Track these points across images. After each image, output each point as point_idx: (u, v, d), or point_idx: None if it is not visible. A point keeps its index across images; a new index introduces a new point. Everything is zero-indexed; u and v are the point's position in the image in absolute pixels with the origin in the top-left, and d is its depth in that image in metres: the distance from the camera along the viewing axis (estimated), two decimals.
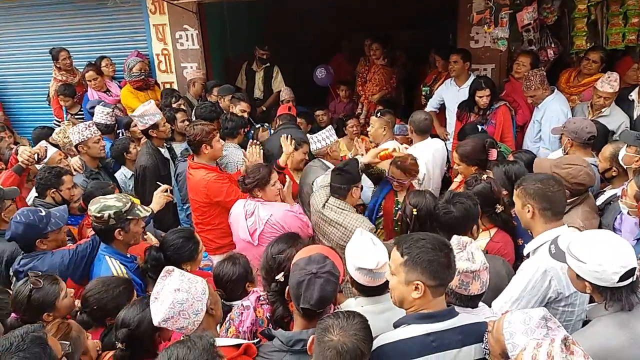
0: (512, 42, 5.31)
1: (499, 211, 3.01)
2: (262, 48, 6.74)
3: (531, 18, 5.00)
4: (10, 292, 2.66)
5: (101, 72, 6.14)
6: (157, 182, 3.82)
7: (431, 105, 5.73)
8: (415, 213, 2.98)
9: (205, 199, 3.82)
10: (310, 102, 6.64)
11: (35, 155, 3.94)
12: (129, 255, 3.06)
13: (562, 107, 4.57)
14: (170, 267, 2.20)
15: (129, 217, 2.97)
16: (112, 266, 2.92)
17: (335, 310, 1.88)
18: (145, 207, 3.14)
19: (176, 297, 2.04)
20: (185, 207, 4.77)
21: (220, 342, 1.85)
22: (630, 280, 1.87)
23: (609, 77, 4.31)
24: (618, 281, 1.85)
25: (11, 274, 3.18)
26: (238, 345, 1.96)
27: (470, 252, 2.13)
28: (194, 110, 5.34)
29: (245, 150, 4.15)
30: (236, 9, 7.18)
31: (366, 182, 4.02)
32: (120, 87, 6.22)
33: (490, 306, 2.39)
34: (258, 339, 2.13)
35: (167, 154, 4.67)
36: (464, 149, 3.70)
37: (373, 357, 1.82)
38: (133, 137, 5.10)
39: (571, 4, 5.10)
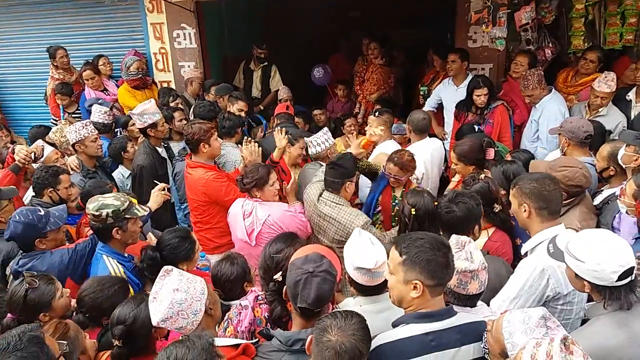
0: (510, 41, 5.32)
1: (497, 211, 3.02)
2: (260, 47, 6.73)
3: (529, 18, 5.01)
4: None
5: (98, 71, 6.12)
6: (154, 181, 3.81)
7: (429, 105, 5.74)
8: (413, 213, 2.98)
9: (204, 198, 3.81)
10: (308, 102, 6.63)
11: (32, 155, 3.92)
12: (126, 255, 3.05)
13: (560, 107, 4.58)
14: (169, 267, 2.20)
15: (127, 216, 2.96)
16: (109, 265, 2.91)
17: (334, 310, 1.87)
18: (143, 207, 3.13)
19: (175, 297, 2.03)
20: (183, 207, 4.77)
21: (218, 342, 1.85)
22: (628, 279, 1.88)
23: (605, 76, 4.32)
24: (617, 280, 1.86)
25: (7, 273, 3.17)
26: (237, 346, 1.96)
27: (468, 252, 2.13)
28: (192, 109, 5.33)
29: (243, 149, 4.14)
30: (234, 8, 7.17)
31: (367, 181, 4.03)
32: (118, 86, 6.21)
33: (489, 305, 2.39)
34: (256, 339, 2.13)
35: (164, 154, 4.66)
36: (461, 148, 3.70)
37: (372, 357, 1.82)
38: (131, 136, 5.09)
39: (569, 3, 5.11)
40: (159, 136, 4.52)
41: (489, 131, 4.73)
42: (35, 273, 2.60)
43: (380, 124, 4.41)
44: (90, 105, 5.44)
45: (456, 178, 4.02)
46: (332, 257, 2.09)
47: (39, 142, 4.24)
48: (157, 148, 4.55)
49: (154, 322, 2.06)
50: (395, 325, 1.95)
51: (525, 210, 2.50)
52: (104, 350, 2.37)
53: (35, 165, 4.04)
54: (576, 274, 1.96)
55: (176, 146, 4.99)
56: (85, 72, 5.96)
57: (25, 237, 2.98)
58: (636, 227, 2.89)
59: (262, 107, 6.77)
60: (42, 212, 3.02)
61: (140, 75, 5.93)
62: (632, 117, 4.52)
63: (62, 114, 6.07)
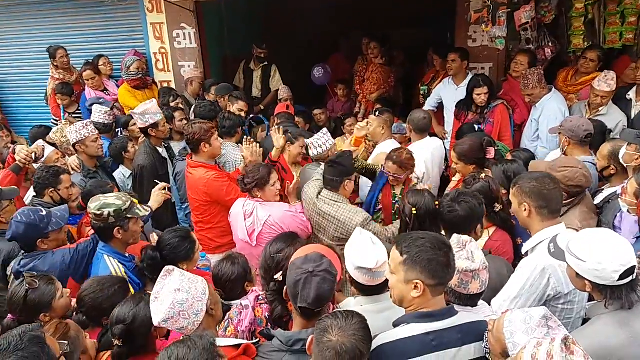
0: (509, 41, 5.32)
1: (497, 210, 3.02)
2: (260, 47, 6.73)
3: (529, 17, 5.01)
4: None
5: (99, 71, 6.12)
6: (155, 180, 3.81)
7: (429, 104, 5.73)
8: (414, 212, 2.98)
9: (205, 197, 3.81)
10: (309, 101, 6.63)
11: (33, 155, 3.92)
12: (127, 255, 3.06)
13: (560, 106, 4.57)
14: (171, 267, 2.20)
15: (128, 215, 2.97)
16: (110, 265, 2.91)
17: (334, 310, 1.87)
18: (145, 207, 3.13)
19: (176, 297, 2.04)
20: (184, 207, 4.77)
21: (219, 342, 1.85)
22: (630, 278, 1.88)
23: (605, 75, 4.32)
24: (618, 279, 1.86)
25: (9, 273, 3.17)
26: (237, 346, 1.96)
27: (470, 251, 2.13)
28: (192, 109, 5.33)
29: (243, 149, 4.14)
30: (234, 8, 7.16)
31: (368, 181, 4.03)
32: (118, 86, 6.21)
33: (490, 305, 2.39)
34: (257, 339, 2.13)
35: (164, 154, 4.66)
36: (461, 147, 3.70)
37: (373, 357, 1.82)
38: (131, 136, 5.09)
39: (569, 2, 5.12)
40: (160, 136, 4.52)
41: (489, 130, 4.73)
42: (36, 273, 2.60)
43: (380, 123, 4.42)
44: (92, 105, 5.44)
45: (457, 177, 4.02)
46: (332, 257, 2.09)
47: (40, 142, 4.24)
48: (158, 148, 4.55)
49: (156, 323, 2.06)
50: (396, 325, 1.95)
51: (525, 210, 2.50)
52: (104, 350, 2.37)
53: (36, 166, 4.04)
54: (577, 274, 1.96)
55: (177, 146, 4.99)
56: (86, 72, 5.96)
57: (27, 237, 2.98)
58: (637, 226, 2.90)
59: (262, 107, 6.77)
60: (44, 213, 3.02)
61: (141, 75, 5.93)
62: (633, 116, 4.52)
63: (62, 114, 6.07)
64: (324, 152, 4.20)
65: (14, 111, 7.34)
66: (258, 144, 4.08)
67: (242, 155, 4.11)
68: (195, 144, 3.81)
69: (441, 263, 1.87)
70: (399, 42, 7.90)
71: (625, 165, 3.22)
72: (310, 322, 1.96)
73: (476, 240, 2.79)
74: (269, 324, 2.35)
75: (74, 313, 2.61)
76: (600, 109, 4.41)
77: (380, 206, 3.74)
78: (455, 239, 2.21)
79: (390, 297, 2.03)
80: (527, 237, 2.62)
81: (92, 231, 3.14)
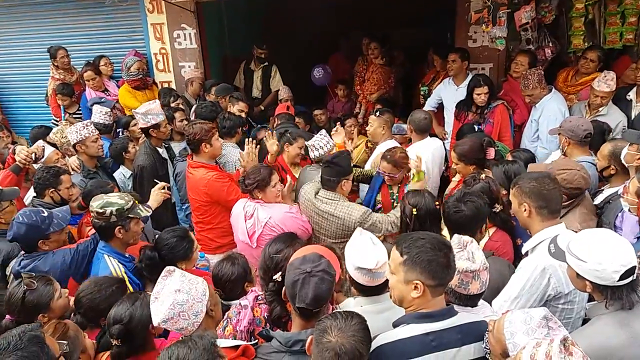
0: (510, 41, 5.31)
1: (497, 211, 3.01)
2: (260, 47, 6.73)
3: (529, 17, 5.01)
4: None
5: (99, 72, 6.12)
6: (154, 180, 3.81)
7: (429, 105, 5.73)
8: (414, 213, 2.98)
9: (206, 198, 3.81)
10: (309, 102, 6.62)
11: (33, 155, 3.93)
12: (127, 255, 3.06)
13: (560, 107, 4.57)
14: (172, 267, 2.20)
15: (130, 215, 2.97)
16: (110, 265, 2.91)
17: (334, 311, 1.87)
18: (146, 208, 3.14)
19: (176, 298, 2.04)
20: (184, 207, 4.77)
21: (218, 343, 1.85)
22: (630, 278, 1.88)
23: (605, 76, 4.32)
24: (618, 280, 1.86)
25: (8, 273, 3.17)
26: (236, 347, 1.95)
27: (470, 252, 2.13)
28: (193, 110, 5.33)
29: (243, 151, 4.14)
30: (234, 8, 7.17)
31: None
32: (118, 87, 6.21)
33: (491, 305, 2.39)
34: (256, 340, 2.13)
35: (165, 154, 4.66)
36: (461, 148, 3.70)
37: (372, 357, 1.82)
38: (132, 137, 5.09)
39: (569, 3, 5.11)
40: (161, 137, 4.53)
41: (489, 131, 4.73)
42: (34, 274, 2.60)
43: (381, 123, 4.42)
44: (93, 104, 5.44)
45: (457, 178, 4.02)
46: (331, 257, 2.09)
47: (40, 142, 4.24)
48: (158, 148, 4.55)
49: (155, 323, 2.07)
50: (395, 325, 1.95)
51: (525, 210, 2.51)
52: (103, 351, 2.37)
53: (36, 166, 4.04)
54: (578, 274, 1.96)
55: (177, 146, 4.99)
56: (87, 73, 5.96)
57: (28, 238, 2.98)
58: (638, 226, 2.89)
59: (262, 107, 6.78)
60: (46, 214, 3.02)
61: (141, 76, 5.94)
62: (633, 116, 4.52)
63: (62, 115, 6.07)
64: (325, 154, 4.21)
65: (14, 111, 7.34)
66: (256, 145, 4.07)
67: (238, 159, 4.11)
68: (196, 144, 3.82)
69: (441, 264, 1.87)
70: (399, 42, 7.90)
71: (626, 165, 3.22)
72: (309, 322, 1.96)
73: (481, 240, 2.80)
74: (267, 324, 2.34)
75: (72, 314, 2.60)
76: (600, 109, 4.41)
77: (379, 206, 3.74)
78: (456, 240, 2.21)
79: (390, 297, 2.03)
80: (527, 237, 2.62)
81: (92, 231, 3.14)
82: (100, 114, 5.17)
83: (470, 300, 2.16)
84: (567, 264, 2.01)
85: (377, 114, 4.54)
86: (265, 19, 8.40)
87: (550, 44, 5.26)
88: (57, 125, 5.75)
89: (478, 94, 4.77)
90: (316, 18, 7.79)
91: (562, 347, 1.49)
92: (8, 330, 1.87)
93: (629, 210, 2.88)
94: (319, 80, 6.86)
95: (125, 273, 2.92)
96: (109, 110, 5.31)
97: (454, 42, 5.85)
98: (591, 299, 2.14)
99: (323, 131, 4.47)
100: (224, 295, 2.70)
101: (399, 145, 4.36)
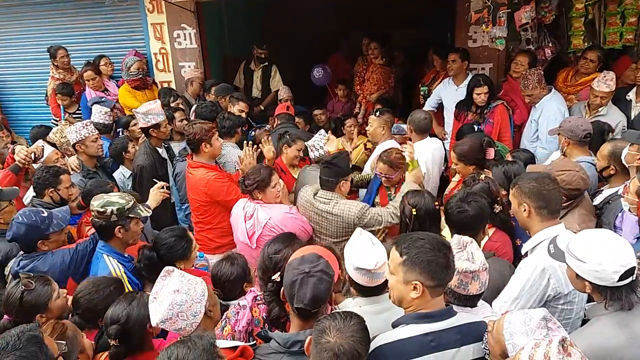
0: (510, 41, 5.31)
1: (497, 211, 3.01)
2: (260, 47, 6.73)
3: (529, 17, 5.01)
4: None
5: (99, 72, 6.12)
6: (153, 180, 3.81)
7: (429, 105, 5.73)
8: (414, 213, 2.98)
9: (205, 198, 3.81)
10: (309, 102, 6.63)
11: (32, 155, 3.92)
12: (126, 255, 3.06)
13: (560, 107, 4.57)
14: (170, 268, 2.20)
15: (130, 215, 2.98)
16: (110, 265, 2.91)
17: (333, 311, 1.87)
18: (146, 207, 3.14)
19: (175, 298, 2.04)
20: (184, 207, 4.77)
21: (217, 344, 1.85)
22: (629, 279, 1.88)
23: (604, 76, 4.32)
24: (618, 280, 1.86)
25: (6, 273, 3.17)
26: (234, 348, 1.95)
27: (470, 252, 2.13)
28: (193, 110, 5.33)
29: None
30: (234, 8, 7.16)
31: None
32: (118, 87, 6.21)
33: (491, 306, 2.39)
34: (254, 341, 2.13)
35: (164, 154, 4.66)
36: (461, 148, 3.70)
37: (371, 358, 1.82)
38: (132, 137, 5.09)
39: (569, 3, 5.11)
40: (161, 137, 4.52)
41: (489, 131, 4.72)
42: (32, 274, 2.59)
43: (381, 124, 4.42)
44: (93, 104, 5.44)
45: (456, 178, 4.02)
46: (330, 258, 2.09)
47: (39, 142, 4.24)
48: (158, 148, 4.54)
49: (154, 323, 2.06)
50: (395, 325, 1.95)
51: (525, 210, 2.51)
52: (102, 351, 2.37)
53: (35, 166, 4.04)
54: (577, 275, 1.96)
55: (177, 146, 4.99)
56: (87, 73, 5.96)
57: (27, 238, 2.98)
58: (638, 227, 2.89)
59: (262, 107, 6.77)
60: (45, 214, 3.02)
61: (141, 76, 5.94)
62: (632, 117, 4.52)
63: (62, 114, 6.07)
64: (324, 154, 4.21)
65: (14, 111, 7.35)
66: (253, 145, 4.07)
67: (237, 160, 4.11)
68: (195, 144, 3.82)
69: (440, 264, 1.87)
70: (399, 42, 7.90)
71: (627, 165, 3.22)
72: (308, 323, 1.96)
73: (483, 240, 2.79)
74: (266, 324, 2.34)
75: (70, 315, 2.60)
76: (599, 109, 4.41)
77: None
78: (456, 240, 2.20)
79: (390, 297, 2.02)
80: (527, 238, 2.62)
81: (92, 230, 3.14)
82: (99, 113, 5.17)
83: (470, 301, 2.16)
84: (567, 264, 2.01)
85: (377, 114, 4.54)
86: (265, 19, 8.40)
87: (550, 44, 5.26)
88: (57, 125, 5.75)
89: (478, 94, 4.77)
90: (316, 18, 7.79)
91: (561, 348, 1.48)
92: (7, 331, 1.87)
93: (629, 210, 2.88)
94: (319, 80, 6.86)
95: (125, 273, 2.92)
96: (109, 110, 5.31)
97: (454, 42, 5.85)
98: (590, 300, 2.14)
99: (322, 131, 4.47)
100: (223, 295, 2.70)
101: (398, 145, 4.36)
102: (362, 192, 4.31)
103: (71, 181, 3.76)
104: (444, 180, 4.61)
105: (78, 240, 3.29)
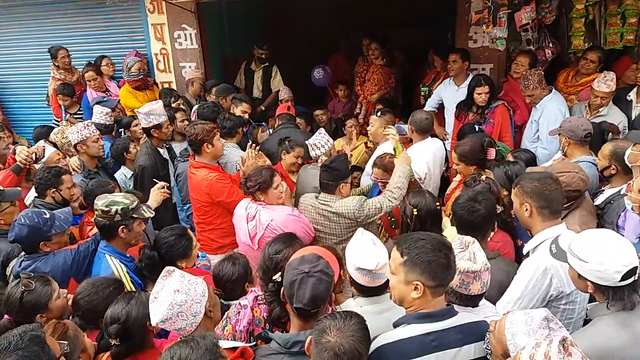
0: (510, 41, 5.31)
1: (498, 211, 3.01)
2: (260, 47, 6.73)
3: (529, 18, 5.01)
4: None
5: (101, 72, 6.12)
6: (154, 180, 3.81)
7: (430, 105, 5.73)
8: (415, 213, 2.98)
9: (207, 198, 3.81)
10: (309, 102, 6.63)
11: (33, 155, 3.93)
12: (128, 255, 3.06)
13: (560, 107, 4.57)
14: (171, 268, 2.20)
15: (134, 215, 2.98)
16: (112, 265, 2.92)
17: (333, 311, 1.87)
18: (148, 209, 3.14)
19: (175, 298, 2.04)
20: (185, 208, 4.77)
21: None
22: (632, 279, 1.87)
23: (605, 76, 4.33)
24: (620, 280, 1.86)
25: (8, 273, 3.17)
26: (234, 348, 1.95)
27: (472, 252, 2.13)
28: (195, 110, 5.33)
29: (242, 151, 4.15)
30: (234, 8, 7.16)
31: (369, 171, 4.04)
32: (119, 87, 6.21)
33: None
34: (255, 342, 2.13)
35: (166, 155, 4.67)
36: (462, 148, 3.70)
37: (372, 358, 1.82)
38: (133, 137, 5.10)
39: (569, 3, 5.11)
40: (163, 137, 4.53)
41: (490, 131, 4.72)
42: (32, 274, 2.60)
43: (382, 124, 4.42)
44: (96, 103, 5.45)
45: (457, 178, 4.02)
46: (330, 258, 2.09)
47: (41, 142, 4.25)
48: (159, 149, 4.55)
49: (154, 323, 2.07)
50: (396, 325, 1.95)
51: (526, 210, 2.51)
52: (104, 352, 2.37)
53: (37, 166, 4.05)
54: (579, 274, 1.96)
55: (178, 147, 5.00)
56: (88, 74, 5.95)
57: (29, 240, 2.98)
58: None
59: (263, 108, 6.78)
60: (48, 215, 3.02)
61: (142, 76, 5.94)
62: (633, 117, 4.52)
63: (63, 115, 6.08)
64: (326, 152, 4.23)
65: (15, 112, 7.35)
66: (256, 146, 4.07)
67: (239, 162, 4.11)
68: (197, 144, 3.82)
69: (441, 265, 1.87)
70: (399, 43, 7.90)
71: (630, 165, 3.22)
72: (308, 323, 1.96)
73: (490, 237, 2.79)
74: (267, 324, 2.35)
75: (70, 316, 2.59)
76: (600, 109, 4.41)
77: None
78: (458, 240, 2.21)
79: (391, 297, 2.03)
80: (528, 238, 2.62)
81: (94, 231, 3.14)
82: (100, 114, 5.17)
83: (471, 301, 2.16)
84: (569, 264, 2.00)
85: (379, 114, 4.55)
86: (265, 19, 8.40)
87: (551, 45, 5.26)
88: (58, 125, 5.75)
89: (479, 94, 4.77)
90: (316, 18, 7.80)
91: (561, 348, 1.48)
92: (9, 331, 1.88)
93: (632, 208, 2.88)
94: (319, 80, 6.86)
95: (127, 273, 2.92)
96: (110, 110, 5.31)
97: (454, 42, 5.85)
98: (592, 300, 2.14)
99: (322, 129, 4.47)
100: (225, 295, 2.71)
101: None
102: (364, 183, 4.33)
103: (73, 181, 3.76)
104: (445, 181, 4.61)
105: (80, 240, 3.29)
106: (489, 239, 2.91)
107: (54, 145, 4.69)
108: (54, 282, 2.61)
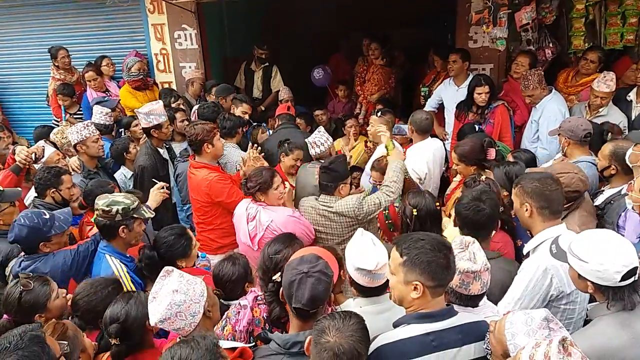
0: (510, 42, 5.31)
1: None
2: (260, 47, 6.73)
3: (529, 18, 5.01)
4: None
5: (101, 73, 6.12)
6: (153, 180, 3.81)
7: (430, 105, 5.73)
8: (415, 213, 2.98)
9: (207, 198, 3.81)
10: (309, 102, 6.63)
11: (33, 155, 3.93)
12: (128, 256, 3.06)
13: (560, 107, 4.57)
14: (170, 268, 2.20)
15: (135, 215, 2.98)
16: (112, 265, 2.92)
17: (332, 311, 1.87)
18: (147, 209, 3.14)
19: (174, 298, 2.04)
20: (185, 208, 4.77)
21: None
22: (632, 279, 1.87)
23: (604, 76, 4.33)
24: (620, 280, 1.85)
25: (7, 273, 3.17)
26: (234, 349, 1.95)
27: (472, 252, 2.13)
28: (195, 110, 5.34)
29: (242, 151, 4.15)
30: (234, 9, 7.17)
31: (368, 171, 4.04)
32: (119, 87, 6.21)
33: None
34: (254, 343, 2.13)
35: (166, 155, 4.67)
36: (462, 148, 3.70)
37: (372, 358, 1.82)
38: (133, 137, 5.10)
39: (569, 3, 5.11)
40: (163, 138, 4.53)
41: (490, 131, 4.72)
42: (31, 274, 2.59)
43: (382, 124, 4.42)
44: (96, 103, 5.45)
45: (457, 178, 4.02)
46: (329, 259, 2.09)
47: (41, 142, 4.25)
48: (159, 149, 4.55)
49: (152, 323, 2.07)
50: (396, 325, 1.95)
51: (527, 210, 2.51)
52: (104, 352, 2.38)
53: (36, 166, 4.05)
54: (579, 275, 1.96)
55: (178, 147, 5.00)
56: (88, 74, 5.95)
57: (29, 240, 2.98)
58: None
59: (263, 108, 6.78)
60: (47, 216, 3.02)
61: (142, 76, 5.95)
62: (633, 117, 4.52)
63: (63, 115, 6.08)
64: (325, 151, 4.23)
65: (15, 112, 7.34)
66: (257, 146, 4.07)
67: (240, 164, 4.10)
68: (197, 145, 3.82)
69: (441, 265, 1.87)
70: (399, 43, 7.90)
71: (631, 165, 3.22)
72: (307, 323, 1.96)
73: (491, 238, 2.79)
74: (267, 324, 2.35)
75: (70, 317, 2.60)
76: (600, 110, 4.41)
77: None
78: (458, 240, 2.20)
79: (390, 297, 2.03)
80: (528, 238, 2.62)
81: (94, 230, 3.14)
82: (100, 114, 5.17)
83: (471, 301, 2.16)
84: (569, 264, 2.00)
85: (379, 114, 4.55)
86: (265, 19, 8.40)
87: (551, 45, 5.26)
88: (58, 125, 5.75)
89: (479, 93, 4.77)
90: (316, 18, 7.80)
91: (561, 348, 1.48)
92: (9, 331, 1.88)
93: (633, 208, 2.88)
94: (319, 81, 6.86)
95: (128, 273, 2.92)
96: (110, 110, 5.31)
97: (454, 42, 5.85)
98: (593, 300, 2.14)
99: (321, 128, 4.47)
100: (224, 295, 2.71)
101: (399, 145, 4.36)
102: (364, 182, 4.33)
103: (72, 181, 3.76)
104: (445, 181, 4.60)
105: (80, 240, 3.29)
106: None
107: (54, 145, 4.68)
108: (53, 282, 2.61)
